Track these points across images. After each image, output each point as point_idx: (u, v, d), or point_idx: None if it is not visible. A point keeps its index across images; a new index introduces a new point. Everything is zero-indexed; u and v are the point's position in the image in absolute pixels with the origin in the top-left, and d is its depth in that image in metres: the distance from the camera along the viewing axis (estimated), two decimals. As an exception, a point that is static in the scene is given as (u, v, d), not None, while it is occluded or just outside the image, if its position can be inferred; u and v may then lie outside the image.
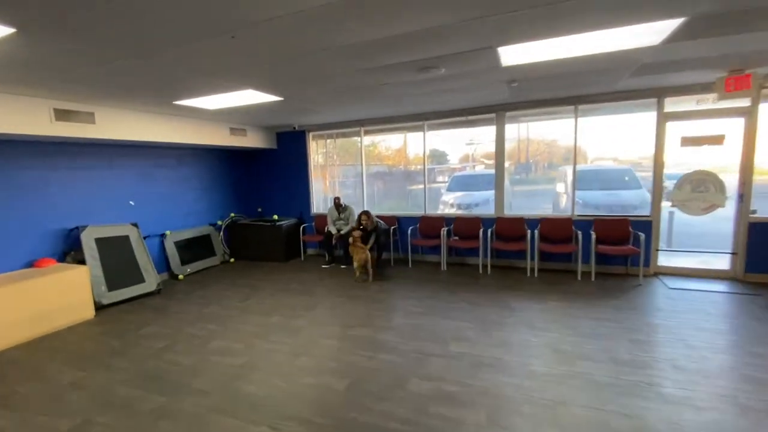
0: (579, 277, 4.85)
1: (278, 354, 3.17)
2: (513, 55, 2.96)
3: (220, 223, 6.56)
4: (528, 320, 3.62)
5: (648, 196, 5.41)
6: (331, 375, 2.80)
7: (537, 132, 5.91)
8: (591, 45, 2.80)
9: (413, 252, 6.02)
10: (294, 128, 6.44)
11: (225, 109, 4.65)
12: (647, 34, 2.61)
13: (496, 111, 5.35)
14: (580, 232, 4.94)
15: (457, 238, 5.74)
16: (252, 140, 6.34)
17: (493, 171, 5.73)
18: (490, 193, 5.99)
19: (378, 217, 6.02)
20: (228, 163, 6.84)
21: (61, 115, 3.88)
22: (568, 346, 3.07)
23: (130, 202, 5.24)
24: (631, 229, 4.85)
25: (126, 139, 4.61)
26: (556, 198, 6.94)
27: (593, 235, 4.78)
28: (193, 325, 3.89)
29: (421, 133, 5.98)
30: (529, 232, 5.13)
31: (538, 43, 2.70)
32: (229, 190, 6.89)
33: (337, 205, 5.98)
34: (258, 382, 2.76)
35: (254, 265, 6.29)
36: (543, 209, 5.96)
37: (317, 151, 6.91)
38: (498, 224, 5.52)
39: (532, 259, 5.11)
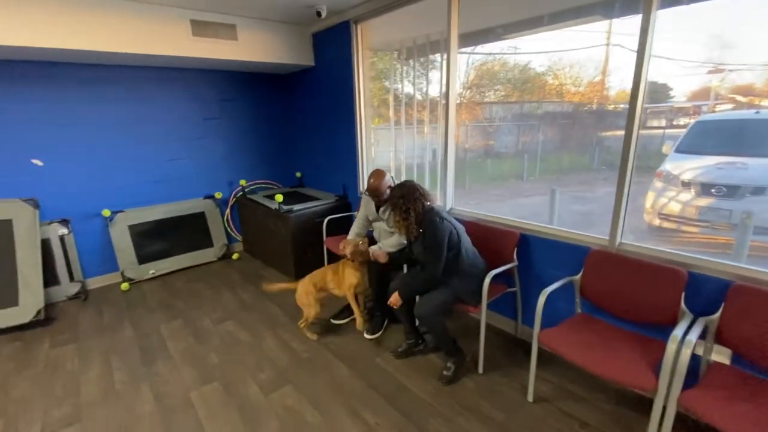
0: None
1: None
2: None
3: (218, 195, 4.03)
4: None
5: None
6: None
7: None
8: None
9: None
10: (319, 14, 3.05)
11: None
12: None
13: None
14: None
15: (729, 352, 1.59)
16: (253, 49, 3.31)
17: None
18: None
19: (466, 222, 2.29)
20: (243, 94, 4.07)
21: None
22: None
23: (35, 161, 3.11)
24: None
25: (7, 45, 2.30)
26: None
27: None
28: None
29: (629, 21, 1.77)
30: None
31: None
32: (246, 142, 4.18)
33: (376, 190, 2.43)
34: None
35: (257, 273, 3.63)
36: None
37: (393, 70, 3.33)
38: None
39: None
